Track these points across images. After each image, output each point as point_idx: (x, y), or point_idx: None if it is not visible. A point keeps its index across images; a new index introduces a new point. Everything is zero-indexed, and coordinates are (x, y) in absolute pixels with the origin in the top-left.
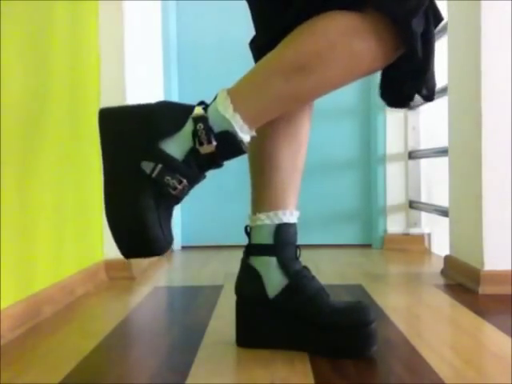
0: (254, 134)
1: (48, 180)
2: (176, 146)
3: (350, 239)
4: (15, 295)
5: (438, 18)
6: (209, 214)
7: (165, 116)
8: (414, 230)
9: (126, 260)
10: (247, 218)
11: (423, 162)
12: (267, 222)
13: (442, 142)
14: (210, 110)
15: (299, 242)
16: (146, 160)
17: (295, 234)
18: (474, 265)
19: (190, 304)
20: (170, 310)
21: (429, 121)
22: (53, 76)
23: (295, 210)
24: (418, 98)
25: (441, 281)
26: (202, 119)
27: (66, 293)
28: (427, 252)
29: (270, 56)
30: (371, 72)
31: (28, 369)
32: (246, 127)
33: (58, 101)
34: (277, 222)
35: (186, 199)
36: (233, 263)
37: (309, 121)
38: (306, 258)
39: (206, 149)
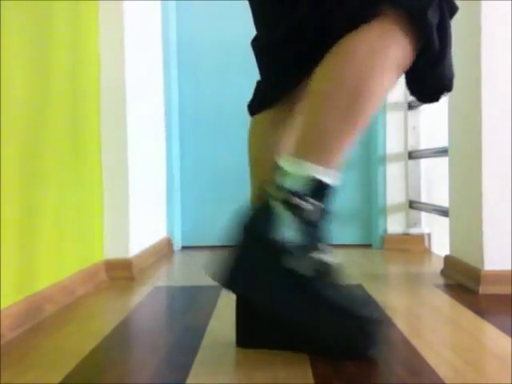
0: (337, 172)
1: (48, 180)
2: (286, 228)
3: (350, 239)
4: (15, 295)
5: (453, 7)
6: (209, 214)
7: (258, 225)
8: (413, 230)
9: (126, 260)
10: None
11: (423, 162)
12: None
13: (442, 142)
14: (283, 182)
15: None
16: (281, 260)
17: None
18: (474, 265)
19: (190, 304)
20: (170, 310)
21: (429, 121)
22: (53, 76)
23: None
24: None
25: (441, 281)
26: (289, 193)
27: (66, 293)
28: (427, 252)
29: (318, 102)
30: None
31: (28, 369)
32: (330, 170)
33: (58, 100)
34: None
35: (186, 199)
36: None
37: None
38: None
39: (310, 210)
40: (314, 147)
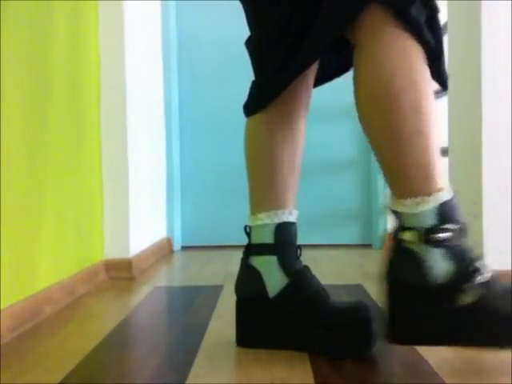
0: (447, 184)
1: (48, 180)
2: (442, 264)
3: (350, 239)
4: (15, 295)
5: (436, 6)
6: (209, 214)
7: (406, 276)
8: None
9: (126, 260)
10: (247, 218)
11: None
12: (267, 221)
13: (442, 142)
14: (406, 223)
15: (299, 241)
16: (457, 298)
17: (295, 233)
18: None
19: (190, 304)
20: (170, 310)
21: None
22: (53, 76)
23: (294, 209)
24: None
25: None
26: (428, 232)
27: (66, 293)
28: None
29: (384, 138)
30: None
31: (28, 369)
32: (438, 192)
33: (58, 101)
34: (277, 221)
35: (186, 199)
36: (233, 263)
37: (304, 121)
38: (306, 258)
39: (455, 234)
40: (420, 179)
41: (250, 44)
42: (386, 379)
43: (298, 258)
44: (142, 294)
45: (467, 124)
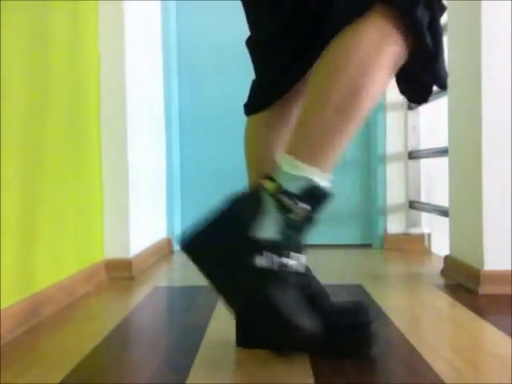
0: (331, 175)
1: (48, 180)
2: (270, 228)
3: (350, 239)
4: (15, 295)
5: (442, 7)
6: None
7: (243, 209)
8: (413, 230)
9: (126, 260)
10: None
11: (423, 162)
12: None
13: (442, 142)
14: (280, 179)
15: None
16: (251, 256)
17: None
18: (473, 265)
19: (190, 304)
20: (170, 310)
21: (429, 121)
22: (53, 76)
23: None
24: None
25: (441, 281)
26: (281, 191)
27: (66, 293)
28: (427, 252)
29: (313, 101)
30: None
31: (28, 369)
32: (325, 174)
33: (58, 101)
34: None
35: (186, 199)
36: None
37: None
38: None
39: (298, 213)
40: (311, 148)
41: (250, 43)
42: (385, 379)
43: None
44: (141, 294)
45: (467, 124)
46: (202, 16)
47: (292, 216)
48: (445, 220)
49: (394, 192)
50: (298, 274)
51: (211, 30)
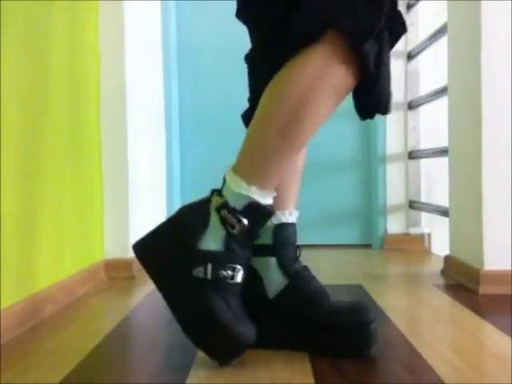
0: (274, 193)
1: (48, 180)
2: (213, 240)
3: (350, 239)
4: (15, 295)
5: (396, 34)
6: None
7: (189, 220)
8: (413, 230)
9: (126, 260)
10: None
11: (423, 162)
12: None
13: (442, 141)
14: (225, 193)
15: (299, 241)
16: (195, 267)
17: (295, 233)
18: (474, 265)
19: None
20: None
21: (429, 121)
22: (52, 76)
23: (294, 209)
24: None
25: (441, 281)
26: (224, 206)
27: (66, 293)
28: (427, 252)
29: (256, 122)
30: (348, 92)
31: (28, 369)
32: (265, 192)
33: (58, 101)
34: (276, 222)
35: (186, 199)
36: None
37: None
38: (305, 258)
39: (239, 229)
40: (252, 168)
41: (246, 57)
42: (385, 379)
43: (297, 258)
44: (141, 294)
45: (467, 124)
46: (202, 16)
47: (234, 230)
48: (445, 220)
49: (394, 192)
50: (238, 284)
51: (211, 30)
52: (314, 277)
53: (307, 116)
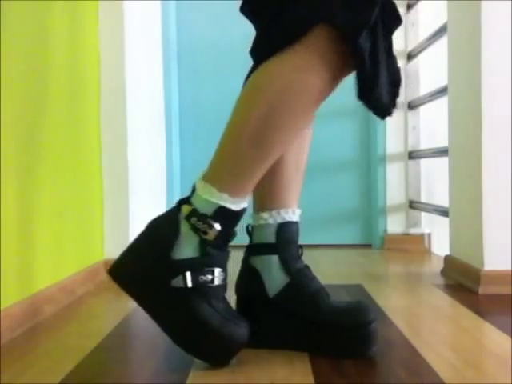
0: (248, 198)
1: (48, 180)
2: (187, 248)
3: (350, 239)
4: (15, 295)
5: (389, 30)
6: None
7: (160, 233)
8: (413, 230)
9: None
10: (249, 216)
11: (423, 162)
12: (270, 221)
13: (442, 142)
14: (194, 201)
15: (299, 241)
16: (173, 278)
17: (297, 232)
18: (474, 265)
19: None
20: None
21: (429, 121)
22: (52, 76)
23: (297, 208)
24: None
25: (441, 281)
26: (193, 213)
27: (66, 293)
28: (427, 252)
29: (228, 128)
30: (329, 93)
31: (28, 369)
32: (237, 199)
33: (58, 100)
34: (279, 220)
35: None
36: (232, 263)
37: (312, 120)
38: (306, 258)
39: (212, 233)
40: (222, 175)
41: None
42: (386, 379)
43: (299, 257)
44: None
45: (467, 124)
46: (201, 16)
47: (207, 236)
48: (445, 220)
49: (394, 192)
50: (219, 286)
51: (211, 29)
52: (314, 276)
53: (281, 123)
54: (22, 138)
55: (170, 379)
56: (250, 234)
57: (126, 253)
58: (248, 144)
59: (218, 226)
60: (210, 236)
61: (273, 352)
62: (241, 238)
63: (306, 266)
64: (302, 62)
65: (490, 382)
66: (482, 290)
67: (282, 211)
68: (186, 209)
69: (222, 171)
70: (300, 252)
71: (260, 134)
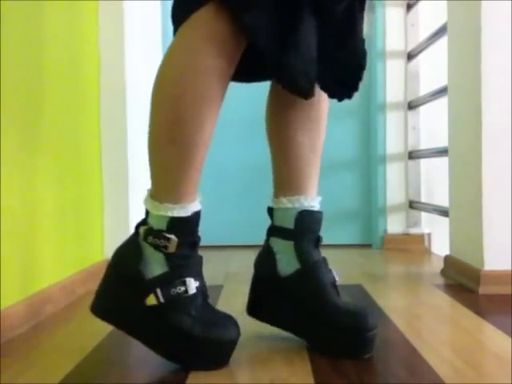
0: (199, 198)
1: (48, 180)
2: (155, 266)
3: (349, 239)
4: (16, 295)
5: (324, 8)
6: (208, 214)
7: (123, 259)
8: (413, 230)
9: None
10: (270, 199)
11: (423, 162)
12: (289, 205)
13: (442, 142)
14: (149, 220)
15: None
16: (147, 297)
17: (318, 221)
18: (474, 265)
19: None
20: None
21: (429, 121)
22: (53, 76)
23: (316, 195)
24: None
25: (441, 281)
26: (149, 233)
27: (66, 292)
28: (427, 252)
29: (148, 134)
30: (232, 70)
31: (28, 368)
32: (181, 204)
33: (58, 100)
34: (298, 207)
35: None
36: (232, 263)
37: (327, 105)
38: None
39: (172, 246)
40: (158, 185)
41: None
42: (385, 379)
43: (316, 247)
44: None
45: (467, 124)
46: None
47: (168, 250)
48: (445, 220)
49: (394, 192)
50: (195, 294)
51: None
52: (329, 271)
53: (189, 112)
54: (23, 138)
55: (170, 379)
56: (271, 215)
57: (98, 287)
58: (167, 142)
59: (174, 238)
60: (171, 249)
61: (273, 352)
62: (240, 237)
63: (324, 259)
64: (195, 45)
65: (489, 382)
66: (482, 290)
67: (302, 198)
68: (143, 230)
69: (157, 182)
70: (319, 242)
71: (174, 128)
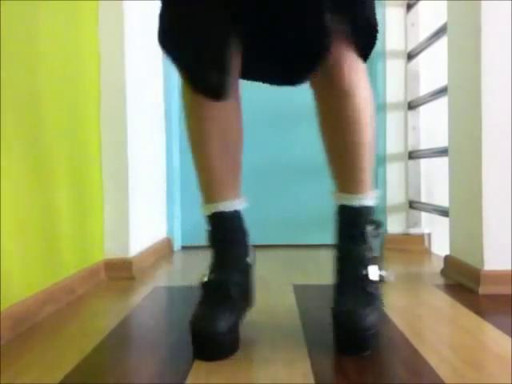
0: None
1: (48, 180)
2: None
3: None
4: (16, 295)
5: None
6: None
7: None
8: (413, 230)
9: (125, 260)
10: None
11: (423, 162)
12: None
13: (442, 142)
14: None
15: (300, 241)
16: None
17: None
18: (474, 265)
19: (190, 304)
20: (170, 310)
21: (429, 121)
22: (52, 76)
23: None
24: None
25: (441, 281)
26: None
27: (66, 293)
28: (427, 252)
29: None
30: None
31: (28, 368)
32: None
33: (58, 100)
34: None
35: (186, 199)
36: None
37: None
38: (306, 258)
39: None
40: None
41: None
42: (386, 379)
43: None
44: (141, 294)
45: (467, 124)
46: None
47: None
48: (445, 220)
49: (394, 192)
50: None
51: None
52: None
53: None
54: (23, 139)
55: (170, 379)
56: None
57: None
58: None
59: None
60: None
61: (273, 352)
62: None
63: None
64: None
65: (489, 382)
66: (481, 290)
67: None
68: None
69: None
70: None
71: (189, 143)
